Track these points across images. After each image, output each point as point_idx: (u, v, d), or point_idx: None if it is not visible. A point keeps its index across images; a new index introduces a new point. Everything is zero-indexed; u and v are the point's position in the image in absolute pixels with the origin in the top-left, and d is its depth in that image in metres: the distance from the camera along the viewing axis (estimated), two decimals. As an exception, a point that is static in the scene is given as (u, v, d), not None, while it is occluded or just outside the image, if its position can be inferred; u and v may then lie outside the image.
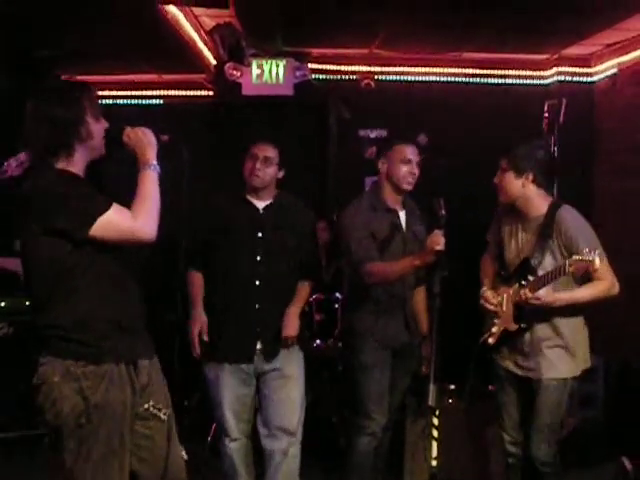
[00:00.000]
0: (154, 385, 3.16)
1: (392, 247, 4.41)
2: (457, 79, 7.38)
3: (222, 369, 4.24)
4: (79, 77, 7.15)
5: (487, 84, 7.40)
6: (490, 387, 4.54)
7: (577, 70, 7.24)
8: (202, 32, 6.57)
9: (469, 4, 5.55)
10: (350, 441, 4.56)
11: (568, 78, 7.26)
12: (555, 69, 7.26)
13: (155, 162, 3.08)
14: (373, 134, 7.26)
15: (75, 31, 6.05)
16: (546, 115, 6.49)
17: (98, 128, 3.06)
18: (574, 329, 4.09)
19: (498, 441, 4.36)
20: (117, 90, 7.75)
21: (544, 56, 7.22)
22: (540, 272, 3.98)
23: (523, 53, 7.16)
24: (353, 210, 4.49)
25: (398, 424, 4.88)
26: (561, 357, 4.04)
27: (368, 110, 7.25)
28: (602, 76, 7.09)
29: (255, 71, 7.11)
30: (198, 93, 7.95)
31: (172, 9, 5.78)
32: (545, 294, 3.92)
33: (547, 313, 4.00)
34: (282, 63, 7.10)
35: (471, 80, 7.39)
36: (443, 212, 4.04)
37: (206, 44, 6.84)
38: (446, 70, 7.37)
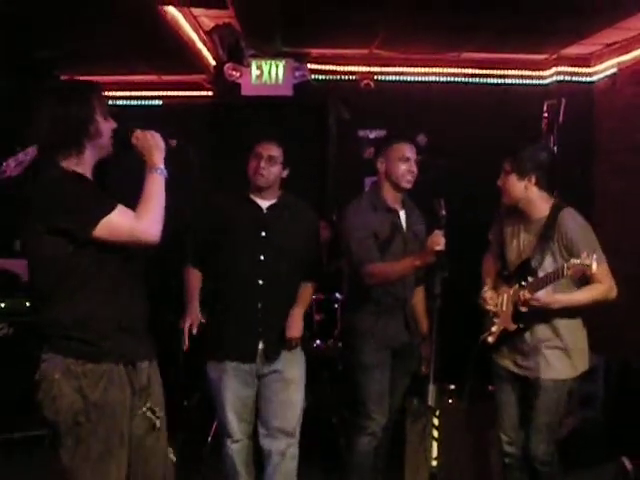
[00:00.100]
0: (152, 387, 3.18)
1: (393, 247, 4.41)
2: (456, 79, 7.39)
3: (224, 370, 4.23)
4: (78, 78, 7.18)
5: (486, 84, 7.40)
6: (490, 387, 4.54)
7: (577, 70, 7.24)
8: (201, 33, 6.58)
9: (468, 4, 5.55)
10: (350, 441, 4.56)
11: (567, 78, 7.26)
12: (554, 69, 7.26)
13: (162, 166, 3.10)
14: (372, 134, 7.26)
15: (75, 32, 6.04)
16: (545, 115, 6.51)
17: (107, 127, 3.09)
18: (573, 331, 4.11)
19: (497, 441, 4.36)
20: (117, 91, 7.74)
21: (543, 56, 7.23)
22: (540, 273, 4.00)
23: (522, 53, 7.16)
24: (353, 210, 4.49)
25: (398, 424, 4.88)
26: (560, 358, 4.06)
27: (367, 110, 7.25)
28: (602, 76, 7.10)
29: (254, 71, 7.12)
30: (197, 93, 7.96)
31: (171, 10, 5.79)
32: (544, 295, 3.94)
33: (547, 314, 4.02)
34: (281, 63, 7.11)
35: (470, 80, 7.39)
36: (443, 212, 4.05)
37: (205, 45, 6.85)
38: (445, 70, 7.37)
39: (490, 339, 4.23)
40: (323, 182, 7.39)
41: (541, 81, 7.39)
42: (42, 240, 2.95)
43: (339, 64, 7.38)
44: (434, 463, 3.94)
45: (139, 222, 2.96)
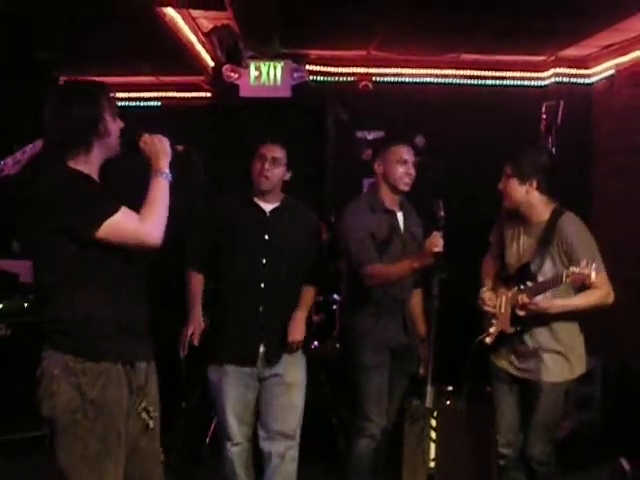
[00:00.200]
0: (149, 387, 3.20)
1: (391, 249, 4.42)
2: (455, 81, 7.38)
3: (225, 373, 4.23)
4: (83, 78, 7.17)
5: (485, 85, 7.39)
6: (488, 388, 4.54)
7: (574, 71, 7.24)
8: (200, 34, 6.57)
9: (467, 6, 5.55)
10: (349, 443, 4.56)
11: (565, 79, 7.25)
12: (552, 70, 7.26)
13: (167, 170, 3.14)
14: (371, 136, 7.26)
15: (74, 33, 6.04)
16: (544, 116, 6.51)
17: (115, 127, 3.14)
18: (571, 335, 4.14)
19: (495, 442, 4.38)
20: (115, 92, 7.72)
21: (542, 57, 7.23)
22: (539, 277, 4.03)
23: (521, 55, 7.16)
24: (352, 211, 4.49)
25: (397, 426, 4.88)
26: (558, 362, 4.09)
27: (366, 112, 7.25)
28: (599, 77, 7.10)
29: (253, 73, 7.11)
30: (196, 95, 7.96)
31: (170, 11, 5.78)
32: (542, 300, 3.98)
33: (545, 318, 4.04)
34: (280, 65, 7.10)
35: (469, 82, 7.39)
36: (442, 214, 4.06)
37: (204, 46, 6.84)
38: (444, 72, 7.36)
39: (488, 340, 4.25)
40: (321, 183, 7.38)
41: (539, 83, 7.38)
42: (46, 239, 2.98)
43: (337, 65, 7.37)
44: (432, 464, 3.96)
45: (142, 225, 3.00)
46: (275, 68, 7.11)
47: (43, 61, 6.62)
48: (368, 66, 7.36)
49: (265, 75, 7.12)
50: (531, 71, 7.39)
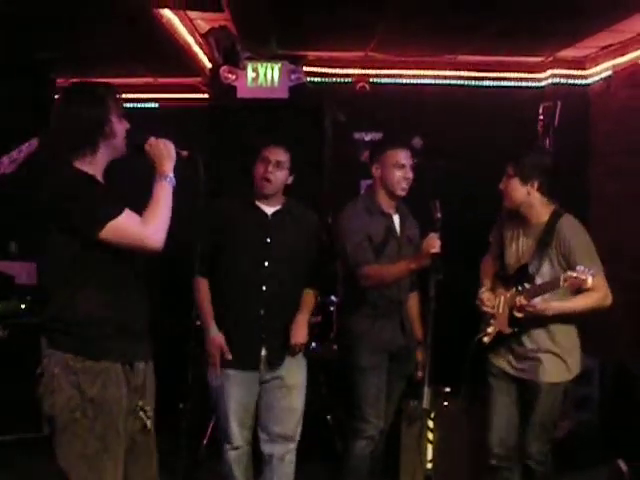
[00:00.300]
0: (146, 387, 3.22)
1: (387, 250, 4.42)
2: (452, 82, 7.38)
3: (226, 377, 4.21)
4: (74, 80, 7.17)
5: (482, 87, 7.39)
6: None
7: (572, 72, 7.23)
8: (197, 35, 6.57)
9: (464, 7, 5.55)
10: (347, 445, 4.56)
11: (563, 80, 7.25)
12: (550, 71, 7.25)
13: (171, 175, 3.16)
14: (368, 137, 7.25)
15: (71, 35, 6.04)
16: (541, 117, 6.51)
17: (121, 128, 3.16)
18: (569, 336, 4.17)
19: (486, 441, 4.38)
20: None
21: (539, 58, 7.22)
22: (538, 279, 4.06)
23: (518, 56, 7.15)
24: (349, 213, 4.49)
25: (394, 427, 4.88)
26: (555, 362, 4.11)
27: (363, 113, 7.24)
28: (597, 78, 7.09)
29: (250, 74, 7.10)
30: (194, 96, 7.95)
31: (167, 13, 5.77)
32: (539, 302, 4.00)
33: (542, 320, 4.05)
34: (277, 66, 7.10)
35: (466, 83, 7.38)
36: (439, 215, 4.06)
37: (201, 47, 6.84)
38: (441, 73, 7.36)
39: (485, 340, 4.29)
40: (319, 184, 7.38)
41: (537, 84, 7.38)
42: (51, 239, 3.01)
43: (335, 67, 7.37)
44: (429, 466, 3.95)
45: (145, 228, 3.02)
46: (272, 69, 7.10)
47: (41, 62, 6.62)
48: (365, 67, 7.36)
49: (262, 76, 7.11)
50: (528, 72, 7.38)
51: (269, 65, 7.10)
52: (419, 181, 4.54)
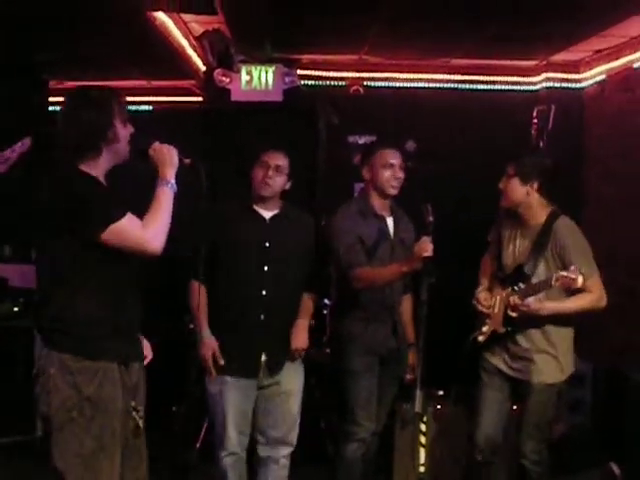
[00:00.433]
0: (139, 388, 3.25)
1: (380, 253, 4.41)
2: (446, 85, 7.38)
3: (225, 383, 4.19)
4: (68, 83, 7.17)
5: (476, 90, 7.39)
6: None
7: (566, 76, 7.24)
8: (191, 38, 6.56)
9: (458, 11, 5.55)
10: (338, 448, 4.55)
11: (557, 84, 7.25)
12: (544, 75, 7.26)
13: (173, 181, 3.19)
14: (362, 140, 7.24)
15: (64, 38, 6.03)
16: (535, 121, 6.53)
17: (124, 133, 3.19)
18: (563, 337, 4.20)
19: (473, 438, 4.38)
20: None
21: (533, 62, 7.23)
22: (533, 279, 4.09)
23: (512, 59, 7.16)
24: (342, 215, 4.49)
25: (388, 429, 4.88)
26: (549, 363, 4.13)
27: (357, 116, 7.24)
28: (591, 82, 7.10)
29: (244, 77, 7.10)
30: (188, 99, 7.95)
31: (161, 15, 5.77)
32: (533, 302, 4.02)
33: (537, 320, 4.07)
34: (271, 69, 7.09)
35: (460, 86, 7.38)
36: (431, 218, 4.07)
37: (195, 50, 6.84)
38: (435, 76, 7.36)
39: (480, 338, 4.33)
40: (312, 187, 7.37)
41: (530, 87, 7.38)
42: (52, 239, 3.05)
43: (329, 70, 7.36)
44: (422, 469, 3.96)
45: (145, 232, 3.05)
46: (266, 72, 7.10)
47: (34, 64, 6.61)
48: (359, 70, 7.36)
49: (256, 79, 7.10)
50: (522, 76, 7.38)
51: (263, 68, 7.09)
52: (412, 184, 4.54)
